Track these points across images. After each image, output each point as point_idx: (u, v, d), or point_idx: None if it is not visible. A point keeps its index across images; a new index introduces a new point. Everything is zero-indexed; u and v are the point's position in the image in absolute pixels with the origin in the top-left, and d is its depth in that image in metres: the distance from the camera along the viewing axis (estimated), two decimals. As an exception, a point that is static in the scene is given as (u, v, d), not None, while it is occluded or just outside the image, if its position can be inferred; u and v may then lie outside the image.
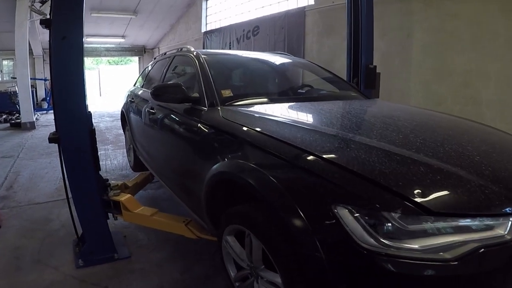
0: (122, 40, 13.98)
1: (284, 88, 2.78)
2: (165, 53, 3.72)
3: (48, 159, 5.23)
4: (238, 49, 8.75)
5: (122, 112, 4.37)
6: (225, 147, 1.74)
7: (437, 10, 4.65)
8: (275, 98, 2.40)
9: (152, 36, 14.05)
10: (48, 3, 2.67)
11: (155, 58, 4.01)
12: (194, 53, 2.63)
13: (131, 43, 14.77)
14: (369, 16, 4.02)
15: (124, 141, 5.39)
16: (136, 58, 16.69)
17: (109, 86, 20.15)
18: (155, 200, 3.51)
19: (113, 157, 5.49)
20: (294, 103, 2.24)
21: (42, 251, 2.47)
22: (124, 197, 2.50)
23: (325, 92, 2.70)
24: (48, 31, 1.99)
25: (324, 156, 1.25)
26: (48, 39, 1.99)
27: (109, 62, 25.94)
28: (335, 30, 5.99)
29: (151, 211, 2.45)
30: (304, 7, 6.66)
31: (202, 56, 2.52)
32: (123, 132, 5.00)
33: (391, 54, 5.14)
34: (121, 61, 25.09)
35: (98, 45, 14.54)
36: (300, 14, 6.69)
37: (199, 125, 2.00)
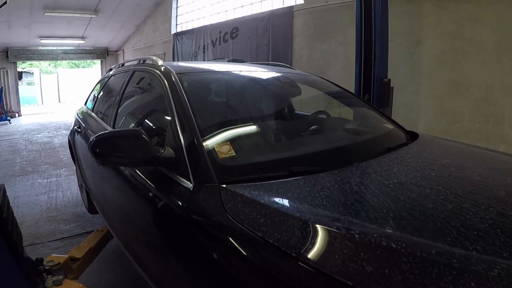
0: (81, 41, 12.78)
1: (318, 135, 1.83)
2: (122, 64, 2.75)
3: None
4: (213, 53, 7.91)
5: (69, 140, 3.33)
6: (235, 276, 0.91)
7: (453, 14, 4.06)
8: (308, 157, 1.44)
9: (116, 37, 12.99)
10: None
11: (110, 69, 3.01)
12: (162, 69, 1.69)
13: (92, 44, 13.57)
14: (384, 18, 3.30)
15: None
16: (98, 61, 15.34)
17: (70, 91, 18.61)
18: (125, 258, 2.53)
19: (66, 187, 4.42)
20: (347, 171, 1.31)
21: None
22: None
23: (362, 136, 1.84)
24: None
25: None
26: None
27: (70, 65, 24.06)
28: (329, 33, 5.35)
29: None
30: (292, 6, 6.01)
31: (176, 75, 1.60)
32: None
33: (397, 63, 4.46)
34: (83, 63, 23.37)
35: (54, 48, 13.15)
36: (287, 14, 6.03)
37: (182, 213, 1.14)
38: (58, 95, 19.24)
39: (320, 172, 1.21)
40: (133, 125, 1.92)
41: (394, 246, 0.80)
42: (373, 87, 3.36)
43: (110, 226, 2.15)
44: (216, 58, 7.79)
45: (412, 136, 1.83)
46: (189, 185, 1.18)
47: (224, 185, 1.13)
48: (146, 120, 1.86)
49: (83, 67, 23.63)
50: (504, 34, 3.72)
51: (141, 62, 2.16)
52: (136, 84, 2.10)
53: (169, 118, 1.42)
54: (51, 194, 4.10)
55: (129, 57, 12.13)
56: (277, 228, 0.90)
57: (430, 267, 0.73)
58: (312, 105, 2.23)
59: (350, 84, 3.69)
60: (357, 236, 0.83)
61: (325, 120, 1.98)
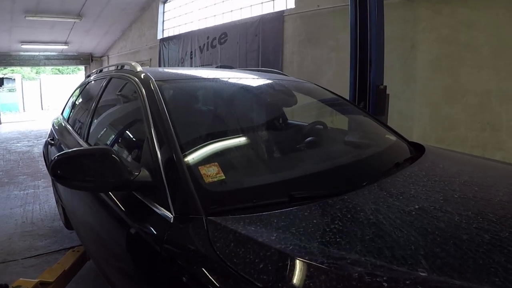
0: (65, 47, 12.49)
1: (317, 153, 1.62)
2: (101, 70, 2.52)
3: None
4: (200, 59, 7.74)
5: (43, 152, 3.07)
6: None
7: (448, 18, 3.98)
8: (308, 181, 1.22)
9: (101, 42, 12.75)
10: None
11: (89, 75, 2.77)
12: (141, 75, 1.48)
13: (76, 50, 13.29)
14: (379, 23, 3.17)
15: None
16: (83, 67, 15.00)
17: (53, 98, 18.14)
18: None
19: (43, 200, 4.17)
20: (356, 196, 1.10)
21: None
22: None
23: (366, 151, 1.65)
24: None
25: None
26: None
27: (53, 71, 23.52)
28: (321, 38, 5.23)
29: None
30: (283, 11, 5.88)
31: (156, 82, 1.39)
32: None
33: (391, 69, 4.34)
34: (67, 69, 22.90)
35: (37, 53, 12.82)
36: (277, 19, 5.89)
37: (161, 251, 0.93)
38: (41, 102, 18.74)
39: (326, 197, 1.02)
40: (107, 140, 1.69)
41: None
42: (368, 94, 3.20)
43: (85, 246, 1.92)
44: (204, 64, 7.61)
45: (416, 147, 1.68)
46: (169, 216, 0.97)
47: (211, 217, 0.92)
48: (121, 135, 1.62)
49: (67, 73, 23.15)
50: (501, 39, 3.64)
51: (119, 68, 1.94)
52: (112, 93, 1.87)
53: (145, 132, 1.21)
54: (28, 207, 3.86)
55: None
56: (281, 277, 0.72)
57: None
58: (309, 116, 2.04)
59: (342, 91, 3.53)
60: (385, 285, 0.67)
61: (324, 132, 1.80)
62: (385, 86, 3.32)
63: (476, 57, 3.81)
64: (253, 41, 6.33)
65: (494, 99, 3.78)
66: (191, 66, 8.14)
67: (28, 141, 8.64)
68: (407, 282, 0.68)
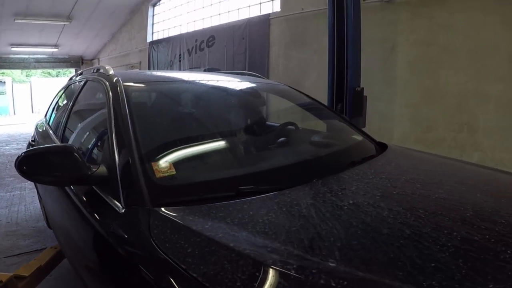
0: (55, 49, 12.43)
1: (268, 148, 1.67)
2: (81, 73, 2.56)
3: None
4: (189, 62, 7.77)
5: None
6: None
7: (427, 20, 4.06)
8: (260, 173, 1.29)
9: (91, 45, 12.70)
10: None
11: (71, 78, 2.81)
12: (114, 79, 1.53)
13: (66, 53, 13.22)
14: (356, 27, 3.24)
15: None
16: (73, 70, 14.94)
17: (43, 101, 18.00)
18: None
19: (29, 201, 4.17)
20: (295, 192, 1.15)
21: None
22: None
23: (329, 147, 1.71)
24: None
25: None
26: None
27: (44, 74, 23.33)
28: (305, 41, 5.31)
29: None
30: (269, 14, 5.96)
31: (123, 85, 1.45)
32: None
33: (371, 71, 4.42)
34: (57, 72, 22.72)
35: (26, 56, 12.75)
36: (264, 22, 5.97)
37: (108, 238, 1.01)
38: (31, 105, 18.57)
39: (270, 192, 1.07)
40: (77, 140, 1.75)
41: (333, 285, 0.67)
42: (346, 96, 3.27)
43: (60, 243, 1.97)
44: (192, 67, 7.65)
45: (383, 147, 1.70)
46: (120, 207, 1.04)
47: (156, 208, 0.98)
48: (89, 135, 1.69)
49: (58, 76, 22.96)
50: (477, 41, 3.73)
51: (95, 71, 1.99)
52: (86, 95, 1.94)
53: (107, 131, 1.27)
54: (13, 208, 3.87)
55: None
56: (204, 260, 0.77)
57: None
58: (277, 116, 2.10)
59: (325, 93, 3.61)
60: (293, 272, 0.71)
61: (287, 132, 1.83)
62: (362, 88, 3.39)
63: (454, 58, 3.90)
64: (240, 44, 6.37)
65: (470, 100, 3.86)
66: (179, 69, 8.16)
67: (17, 144, 8.60)
68: (313, 271, 0.71)
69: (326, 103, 3.27)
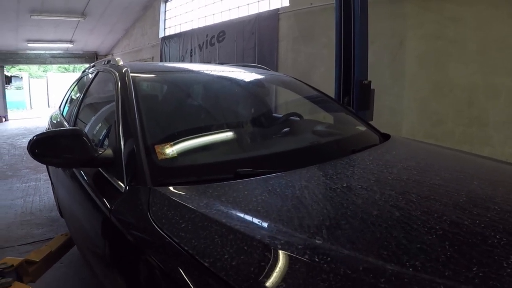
0: (70, 45, 12.59)
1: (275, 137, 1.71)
2: (93, 65, 2.66)
3: None
4: (200, 57, 7.84)
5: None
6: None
7: (436, 14, 4.01)
8: (261, 157, 1.36)
9: (105, 41, 12.82)
10: None
11: (84, 71, 2.92)
12: (123, 70, 1.61)
13: (81, 48, 13.39)
14: (363, 20, 3.24)
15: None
16: (88, 65, 15.14)
17: (59, 96, 18.36)
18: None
19: (44, 191, 4.34)
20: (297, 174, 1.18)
21: None
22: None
23: (331, 135, 1.76)
24: None
25: None
26: None
27: (60, 69, 23.78)
28: (313, 36, 5.29)
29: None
30: (278, 9, 5.94)
31: (130, 75, 1.52)
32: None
33: (380, 65, 4.40)
34: (73, 67, 23.12)
35: (43, 51, 12.95)
36: (273, 17, 5.95)
37: (110, 216, 1.05)
38: (48, 100, 18.93)
39: (267, 174, 1.11)
40: (86, 125, 1.85)
41: (317, 260, 0.69)
42: (352, 89, 3.28)
43: (70, 230, 2.06)
44: (203, 62, 7.71)
45: (386, 138, 1.71)
46: (122, 186, 1.10)
47: (156, 187, 1.04)
48: (98, 121, 1.79)
49: (73, 71, 23.40)
50: (486, 34, 3.67)
51: (106, 62, 2.08)
52: (97, 85, 2.03)
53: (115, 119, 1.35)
54: (28, 198, 4.04)
55: (118, 61, 12.05)
56: (197, 235, 0.81)
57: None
58: (280, 107, 2.15)
59: (333, 86, 3.62)
60: (279, 247, 0.73)
61: (290, 122, 1.88)
62: (369, 81, 3.38)
63: (463, 52, 3.84)
64: (250, 39, 6.38)
65: (481, 94, 3.81)
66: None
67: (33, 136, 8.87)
68: (299, 246, 0.73)
69: (333, 96, 3.29)
